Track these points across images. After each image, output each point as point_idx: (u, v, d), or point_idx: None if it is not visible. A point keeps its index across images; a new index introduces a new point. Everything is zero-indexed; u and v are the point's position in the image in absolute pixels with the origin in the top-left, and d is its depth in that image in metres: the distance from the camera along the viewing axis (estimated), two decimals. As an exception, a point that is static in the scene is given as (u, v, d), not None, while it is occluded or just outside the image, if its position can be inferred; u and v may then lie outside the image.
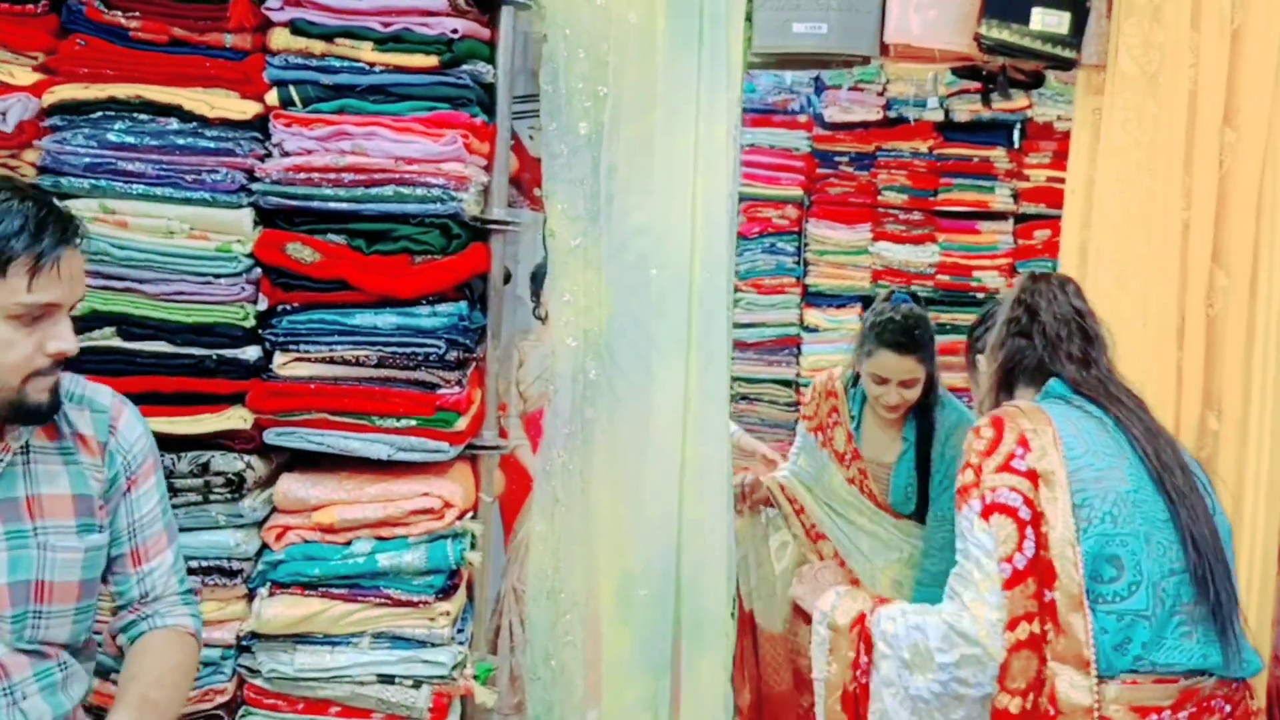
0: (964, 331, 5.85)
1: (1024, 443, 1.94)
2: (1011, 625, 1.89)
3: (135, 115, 2.12)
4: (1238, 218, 2.49)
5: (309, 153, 2.13)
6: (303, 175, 2.13)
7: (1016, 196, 5.56)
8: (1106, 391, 2.04)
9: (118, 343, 2.13)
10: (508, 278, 2.36)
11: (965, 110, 5.38)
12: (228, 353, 2.15)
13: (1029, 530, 1.90)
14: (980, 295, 5.55)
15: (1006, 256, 5.60)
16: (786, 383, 5.66)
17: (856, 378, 3.19)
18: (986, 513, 1.92)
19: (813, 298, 5.72)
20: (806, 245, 5.71)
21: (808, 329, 5.73)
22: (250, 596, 2.16)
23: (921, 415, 3.09)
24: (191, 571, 2.09)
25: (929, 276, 5.54)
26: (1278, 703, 2.60)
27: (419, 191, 2.12)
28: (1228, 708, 1.88)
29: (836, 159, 5.65)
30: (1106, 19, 2.53)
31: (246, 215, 2.13)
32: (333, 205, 2.13)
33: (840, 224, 5.65)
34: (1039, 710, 1.89)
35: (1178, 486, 1.92)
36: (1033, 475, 1.92)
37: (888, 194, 5.59)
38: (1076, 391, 2.05)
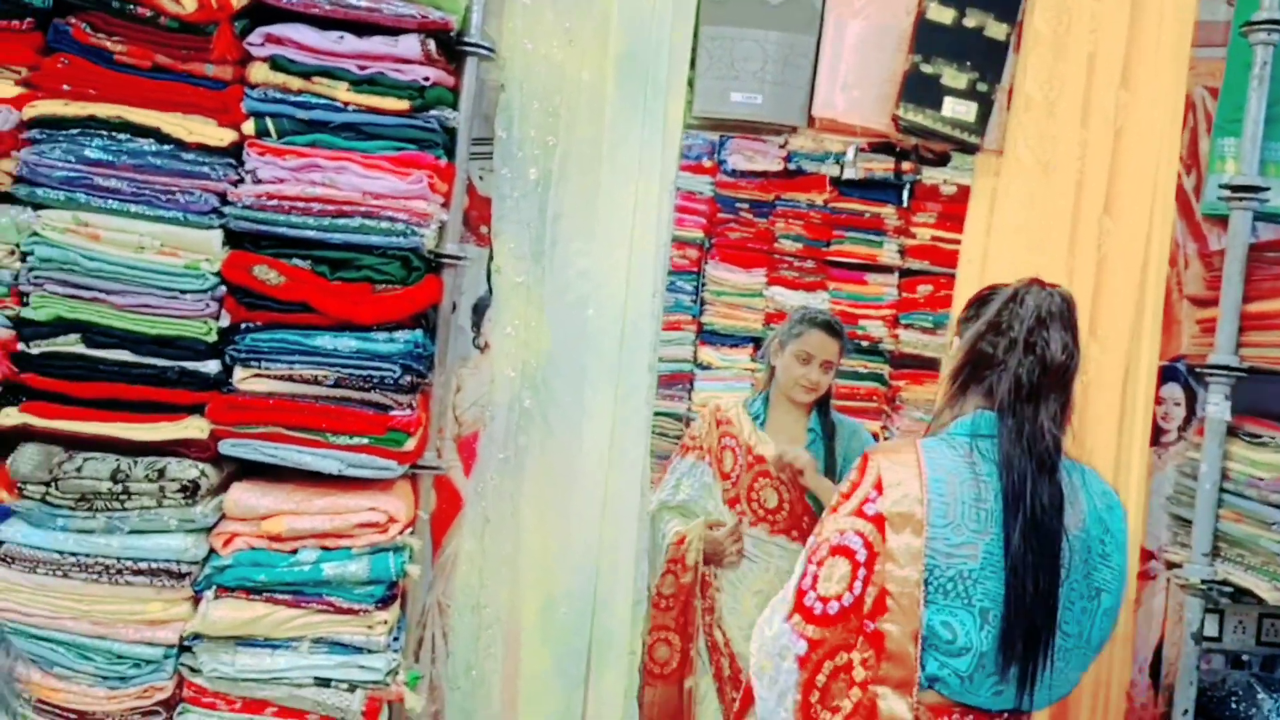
0: (849, 376, 6.10)
1: (879, 486, 2.00)
2: (831, 654, 1.98)
3: (114, 134, 2.20)
4: (1109, 296, 2.79)
5: (281, 181, 2.25)
6: (273, 202, 2.24)
7: (903, 252, 5.89)
8: (1018, 431, 2.00)
9: (82, 349, 2.21)
10: (453, 308, 2.51)
11: (860, 169, 5.70)
12: (189, 365, 2.24)
13: (861, 570, 1.97)
14: (865, 344, 5.87)
15: (890, 308, 5.92)
16: (677, 416, 5.88)
17: (751, 401, 3.50)
18: (831, 552, 2.01)
19: (707, 336, 5.96)
20: (704, 285, 5.96)
21: (701, 366, 5.96)
22: (196, 599, 2.25)
23: (822, 416, 3.42)
24: (140, 572, 2.19)
25: (819, 323, 5.80)
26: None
27: (384, 225, 2.26)
28: None
29: (737, 205, 5.92)
30: (1007, 110, 2.82)
31: (216, 236, 2.24)
32: (300, 232, 2.25)
33: (738, 267, 5.91)
34: None
35: (1024, 552, 1.94)
36: (879, 520, 1.98)
37: (784, 241, 5.87)
38: (1001, 423, 2.02)
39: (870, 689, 1.96)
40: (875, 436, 5.79)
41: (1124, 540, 2.08)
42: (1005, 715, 2.01)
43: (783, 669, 2.03)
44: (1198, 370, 2.72)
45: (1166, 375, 2.86)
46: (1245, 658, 2.80)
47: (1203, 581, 2.56)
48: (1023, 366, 2.02)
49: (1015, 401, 2.01)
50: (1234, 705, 2.57)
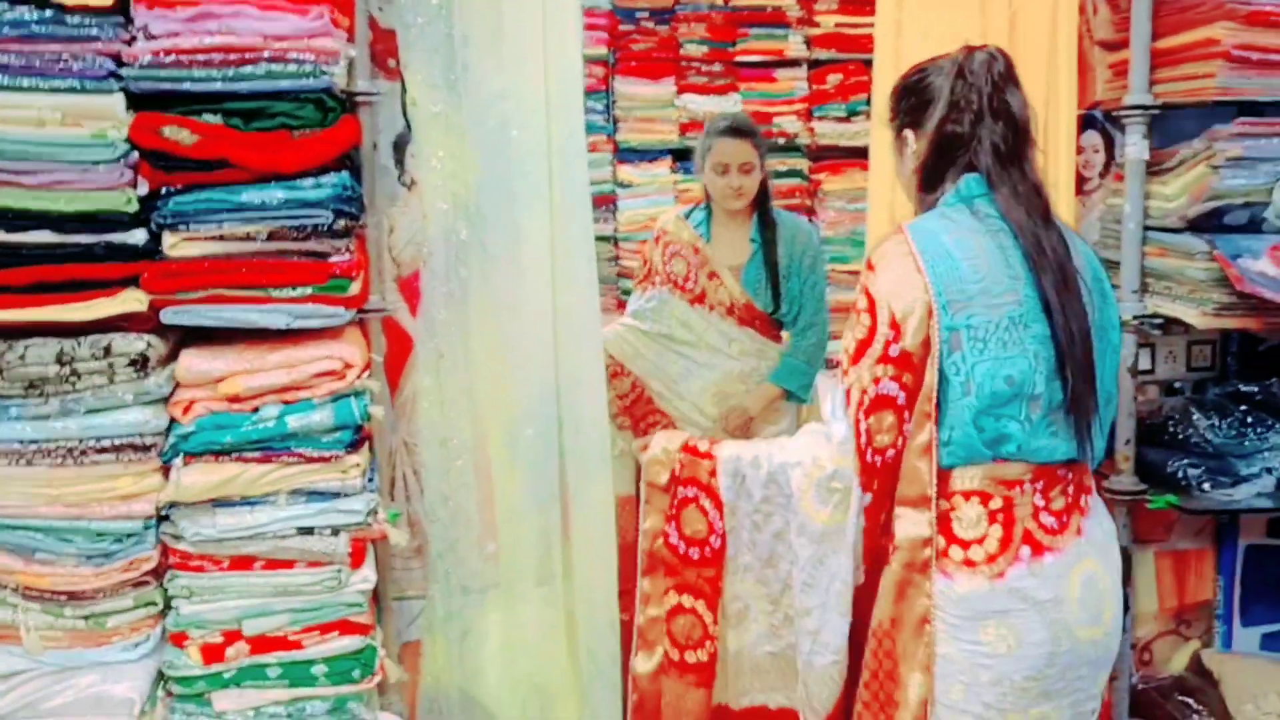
0: (772, 177, 6.20)
1: (894, 326, 2.01)
2: (890, 496, 2.10)
3: (-10, 6, 2.09)
4: (1023, 51, 2.80)
5: (175, 35, 2.15)
6: (171, 58, 2.15)
7: (809, 43, 5.86)
8: (1014, 193, 2.04)
9: (1, 235, 2.15)
10: (374, 147, 2.46)
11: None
12: (114, 238, 2.19)
13: (906, 413, 2.04)
14: (781, 140, 5.87)
15: (803, 101, 5.93)
16: (606, 239, 5.89)
17: (690, 211, 3.61)
18: (875, 406, 2.05)
19: (624, 154, 5.94)
20: (614, 103, 5.90)
21: (622, 185, 5.95)
22: (165, 469, 2.25)
23: (763, 220, 3.52)
24: (104, 450, 2.19)
25: (734, 125, 5.78)
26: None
27: (291, 68, 2.19)
28: (1070, 480, 2.09)
29: (637, 15, 5.82)
30: None
31: (118, 100, 2.15)
32: (206, 86, 2.17)
33: (646, 79, 5.85)
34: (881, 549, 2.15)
35: (1059, 297, 1.99)
36: (904, 359, 2.01)
37: (689, 47, 5.80)
38: (990, 189, 2.06)
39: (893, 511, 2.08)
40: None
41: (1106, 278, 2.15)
42: (1067, 467, 2.08)
43: (849, 524, 2.12)
44: (1113, 114, 2.77)
45: (1085, 123, 2.90)
46: (1177, 385, 2.95)
47: (1134, 317, 2.66)
48: (995, 133, 2.05)
49: (1000, 168, 2.04)
50: (1171, 429, 2.72)
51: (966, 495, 2.06)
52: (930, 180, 2.14)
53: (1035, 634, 2.01)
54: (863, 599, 2.18)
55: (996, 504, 2.04)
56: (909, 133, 2.17)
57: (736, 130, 3.41)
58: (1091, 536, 2.09)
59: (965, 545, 2.05)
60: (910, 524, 2.07)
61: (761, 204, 3.50)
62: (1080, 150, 2.90)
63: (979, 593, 2.03)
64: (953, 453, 2.06)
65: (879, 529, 2.15)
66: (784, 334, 3.62)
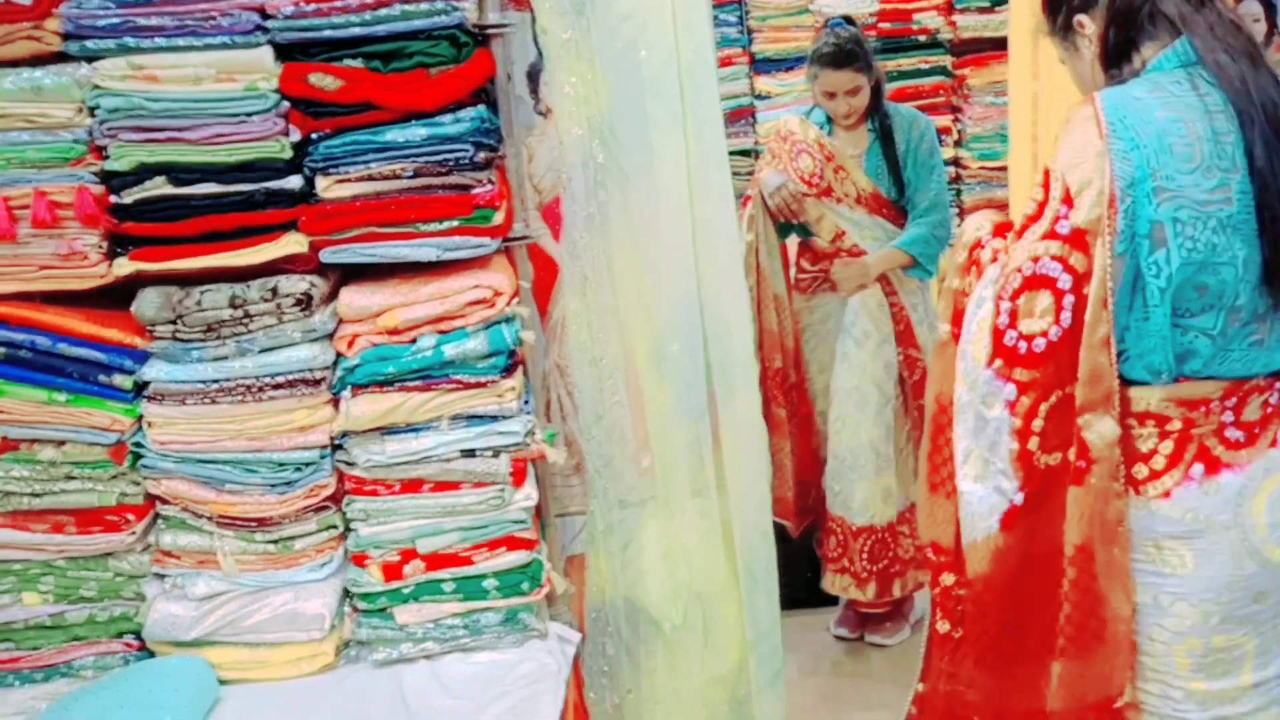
0: (911, 76, 6.03)
1: (1068, 200, 1.83)
2: (1045, 394, 1.88)
3: (143, -29, 2.21)
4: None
5: (314, -16, 2.25)
6: (312, 7, 2.24)
7: (946, -65, 5.65)
8: (1211, 34, 1.82)
9: (170, 189, 2.28)
10: (508, 78, 2.51)
11: None
12: (273, 185, 2.31)
13: (1068, 298, 1.85)
14: (922, 38, 5.71)
15: (942, -6, 5.72)
16: (745, 152, 5.85)
17: (812, 109, 3.76)
18: (1026, 285, 1.87)
19: (761, 65, 5.87)
20: (748, 13, 5.81)
21: (760, 97, 5.89)
22: (335, 401, 2.39)
23: (878, 117, 3.64)
24: (279, 385, 2.33)
25: (872, 26, 5.66)
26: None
27: (424, 7, 2.25)
28: (1272, 389, 1.91)
29: (767, -86, 5.69)
30: None
31: (266, 53, 2.26)
32: (345, 31, 2.25)
33: (778, -14, 5.74)
34: (1069, 464, 1.91)
35: (1271, 165, 1.78)
36: (1077, 237, 1.82)
37: (822, -56, 5.66)
38: (1193, 39, 1.83)
39: (1078, 421, 1.86)
40: (941, 132, 5.75)
41: None
42: (1270, 377, 1.91)
43: (990, 418, 1.93)
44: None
45: (1241, -7, 2.76)
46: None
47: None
48: None
49: (1192, 10, 1.84)
50: None
51: (1141, 418, 1.89)
52: (1116, 56, 1.93)
53: (1213, 557, 1.86)
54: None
55: (1175, 426, 1.88)
56: (1082, 18, 1.96)
57: (834, 59, 3.49)
58: None
59: (1131, 462, 1.90)
60: (1101, 429, 1.86)
61: (876, 104, 3.53)
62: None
63: (1141, 514, 1.90)
64: (1132, 367, 1.90)
65: (1030, 433, 1.93)
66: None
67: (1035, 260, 1.84)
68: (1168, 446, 1.89)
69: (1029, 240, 1.85)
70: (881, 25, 5.68)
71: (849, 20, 3.71)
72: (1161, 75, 1.86)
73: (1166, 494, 1.89)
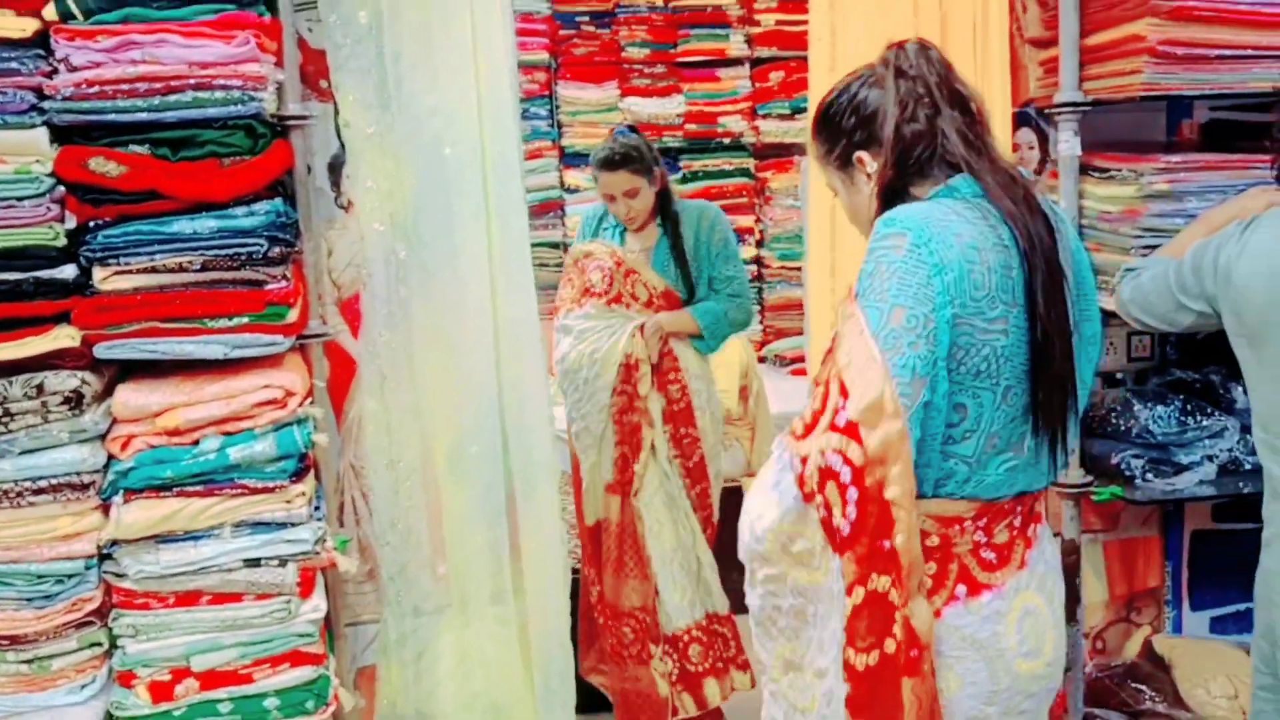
0: (715, 176, 6.16)
1: (844, 392, 1.74)
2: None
3: (-96, 42, 2.05)
4: (956, 51, 2.82)
5: (98, 65, 2.12)
6: (95, 89, 2.12)
7: (750, 42, 5.87)
8: (998, 182, 1.83)
9: (-73, 275, 2.11)
10: (308, 170, 2.43)
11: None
12: (44, 274, 2.15)
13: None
14: (726, 141, 5.89)
15: (746, 100, 5.94)
16: (554, 245, 5.87)
17: (604, 213, 3.65)
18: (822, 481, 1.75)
19: (570, 159, 5.92)
20: (558, 108, 5.88)
21: (569, 190, 5.93)
22: (105, 507, 2.22)
23: (664, 211, 3.57)
24: (41, 490, 2.16)
25: (678, 127, 5.81)
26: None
27: (218, 95, 2.16)
28: (1019, 512, 1.93)
29: (577, 19, 5.80)
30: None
31: (41, 134, 2.12)
32: (131, 116, 2.14)
33: (588, 83, 5.84)
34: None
35: (1048, 310, 1.80)
36: (851, 429, 1.72)
37: (630, 50, 5.80)
38: (978, 180, 1.83)
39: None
40: (743, 232, 5.88)
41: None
42: (1015, 500, 1.91)
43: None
44: (1046, 111, 2.79)
45: (1019, 121, 2.92)
46: (1119, 375, 2.98)
47: (1074, 313, 2.68)
48: (956, 120, 1.85)
49: (974, 156, 1.85)
50: (1114, 420, 2.74)
51: None
52: (892, 196, 1.90)
53: (976, 674, 1.88)
54: None
55: (933, 542, 1.87)
56: (863, 154, 1.93)
57: (610, 163, 3.44)
58: (1034, 568, 1.95)
59: None
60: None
61: (663, 204, 3.54)
62: (1015, 148, 2.93)
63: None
64: None
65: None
66: None
67: (823, 454, 1.75)
68: (931, 566, 1.88)
69: (816, 433, 1.78)
70: (688, 126, 5.83)
71: (633, 129, 3.70)
72: (954, 201, 1.87)
73: (937, 614, 1.87)
